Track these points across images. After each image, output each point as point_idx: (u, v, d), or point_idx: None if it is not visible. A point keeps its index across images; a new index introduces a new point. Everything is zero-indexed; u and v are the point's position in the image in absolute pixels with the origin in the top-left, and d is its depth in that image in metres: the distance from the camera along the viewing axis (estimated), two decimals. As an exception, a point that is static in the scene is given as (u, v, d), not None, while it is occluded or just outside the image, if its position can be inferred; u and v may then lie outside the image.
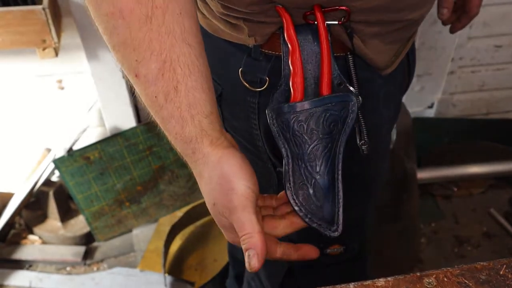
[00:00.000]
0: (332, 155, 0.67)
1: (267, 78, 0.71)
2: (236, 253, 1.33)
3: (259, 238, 0.59)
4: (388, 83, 0.75)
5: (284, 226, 0.65)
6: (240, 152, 0.62)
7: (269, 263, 1.06)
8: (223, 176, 0.59)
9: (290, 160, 0.66)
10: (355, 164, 0.77)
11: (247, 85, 0.72)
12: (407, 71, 0.84)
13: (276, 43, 0.69)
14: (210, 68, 0.74)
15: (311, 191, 0.66)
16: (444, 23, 0.93)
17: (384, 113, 0.77)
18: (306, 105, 0.65)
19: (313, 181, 0.66)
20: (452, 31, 0.96)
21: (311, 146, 0.66)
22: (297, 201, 0.66)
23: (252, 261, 0.58)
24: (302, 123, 0.65)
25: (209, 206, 0.63)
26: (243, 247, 0.59)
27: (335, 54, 0.68)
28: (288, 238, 0.94)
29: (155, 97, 0.58)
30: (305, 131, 0.65)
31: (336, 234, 0.67)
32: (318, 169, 0.67)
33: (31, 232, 1.82)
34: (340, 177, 0.68)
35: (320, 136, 0.66)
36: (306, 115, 0.65)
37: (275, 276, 1.05)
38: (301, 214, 0.65)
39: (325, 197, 0.66)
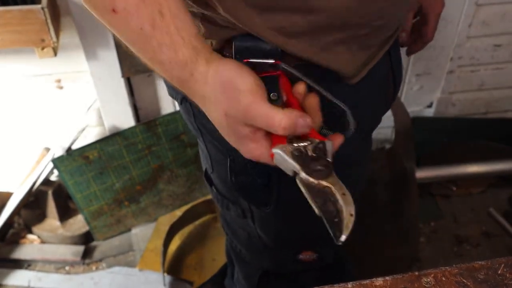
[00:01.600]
0: None
1: None
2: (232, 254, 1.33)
3: (294, 110, 0.58)
4: (356, 92, 0.72)
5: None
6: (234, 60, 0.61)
7: (245, 265, 1.06)
8: (225, 82, 0.58)
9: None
10: None
11: None
12: (391, 78, 0.82)
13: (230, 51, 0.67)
14: None
15: None
16: (401, 45, 0.94)
17: (352, 123, 0.75)
18: None
19: None
20: (408, 53, 0.99)
21: None
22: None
23: (306, 119, 0.57)
24: None
25: (221, 124, 0.60)
26: (290, 122, 0.57)
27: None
28: (264, 244, 0.94)
29: (141, 28, 0.56)
30: None
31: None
32: None
33: (30, 232, 1.82)
34: None
35: None
36: None
37: (251, 278, 1.06)
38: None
39: None
